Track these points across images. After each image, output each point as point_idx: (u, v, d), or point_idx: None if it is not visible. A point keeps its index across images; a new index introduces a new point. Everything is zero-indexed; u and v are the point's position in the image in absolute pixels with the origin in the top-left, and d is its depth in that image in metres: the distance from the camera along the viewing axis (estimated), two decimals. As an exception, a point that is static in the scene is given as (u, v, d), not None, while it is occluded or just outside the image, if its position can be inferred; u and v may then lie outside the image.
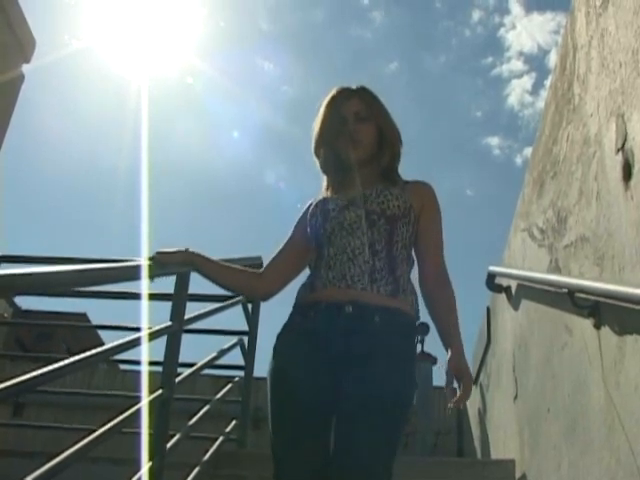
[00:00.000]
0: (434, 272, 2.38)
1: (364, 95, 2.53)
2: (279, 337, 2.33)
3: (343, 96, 2.51)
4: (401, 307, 2.25)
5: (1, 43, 4.54)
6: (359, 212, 2.33)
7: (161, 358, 2.86)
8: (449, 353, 2.23)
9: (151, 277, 2.42)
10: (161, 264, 2.48)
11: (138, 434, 2.65)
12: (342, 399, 2.10)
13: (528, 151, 4.68)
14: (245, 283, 2.61)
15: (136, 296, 3.88)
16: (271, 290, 2.56)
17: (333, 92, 2.53)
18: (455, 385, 2.17)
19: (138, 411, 2.49)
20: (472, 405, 6.54)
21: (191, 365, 3.56)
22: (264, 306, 4.87)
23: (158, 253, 2.49)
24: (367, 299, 2.21)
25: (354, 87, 2.55)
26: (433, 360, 7.90)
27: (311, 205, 2.51)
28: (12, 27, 4.59)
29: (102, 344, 2.35)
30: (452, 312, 2.33)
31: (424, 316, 2.36)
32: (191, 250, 2.54)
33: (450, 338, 2.27)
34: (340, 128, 2.45)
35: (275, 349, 2.31)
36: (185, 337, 3.04)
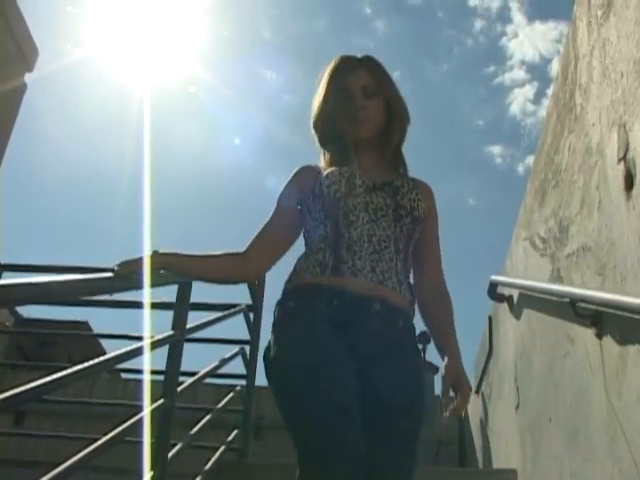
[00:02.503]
0: (437, 281, 2.25)
1: (372, 66, 2.29)
2: (290, 317, 2.04)
3: (348, 67, 2.27)
4: (412, 315, 2.15)
5: (4, 52, 4.56)
6: (388, 201, 2.12)
7: (163, 367, 2.86)
8: (446, 360, 2.08)
9: (110, 291, 2.08)
10: (125, 277, 2.00)
11: (140, 443, 2.64)
12: (370, 398, 1.92)
13: (530, 160, 4.69)
14: (228, 270, 2.24)
15: (137, 305, 3.88)
16: (259, 270, 2.32)
17: (336, 61, 2.29)
18: (452, 393, 2.05)
19: (140, 420, 2.48)
20: (474, 414, 6.53)
21: (193, 374, 3.56)
22: (266, 314, 4.87)
23: (123, 262, 2.01)
24: (395, 300, 2.05)
25: (360, 56, 2.31)
26: (435, 369, 7.88)
27: (315, 170, 2.26)
28: (15, 36, 4.61)
29: (103, 352, 2.34)
30: (451, 319, 2.21)
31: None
32: (161, 252, 2.13)
33: (448, 345, 2.13)
34: (345, 104, 2.22)
35: (285, 329, 2.03)
36: (187, 346, 3.04)
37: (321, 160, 2.33)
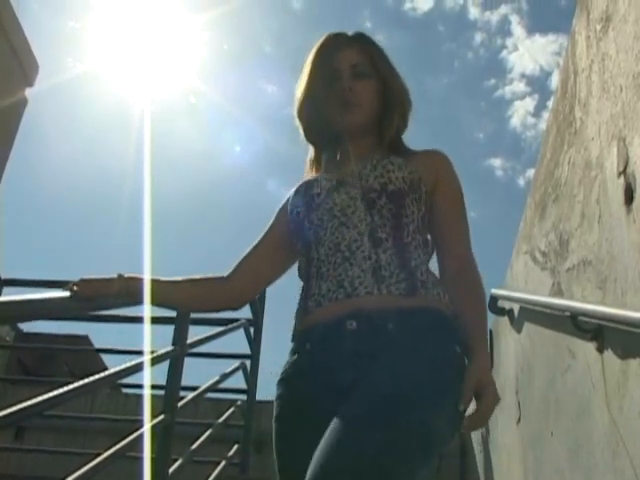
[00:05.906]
0: (456, 267, 1.82)
1: (364, 44, 1.98)
2: (278, 384, 1.78)
3: (336, 45, 1.95)
4: (422, 304, 1.68)
5: (4, 68, 4.57)
6: (353, 193, 1.78)
7: (163, 381, 2.87)
8: (470, 362, 1.66)
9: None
10: (85, 297, 1.75)
11: (140, 459, 2.64)
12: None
13: (531, 172, 4.70)
14: (205, 295, 1.95)
15: (138, 320, 3.89)
16: (242, 296, 1.99)
17: (323, 39, 1.97)
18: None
19: (140, 435, 2.48)
20: (475, 428, 6.50)
21: (193, 389, 3.56)
22: (266, 329, 4.87)
23: (82, 282, 1.75)
24: (374, 304, 1.65)
25: (351, 33, 1.99)
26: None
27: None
28: (15, 52, 4.63)
29: (104, 365, 2.33)
30: (477, 309, 1.78)
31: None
32: (127, 275, 1.80)
33: (472, 343, 1.69)
34: (331, 85, 1.90)
35: (276, 401, 1.77)
36: (187, 360, 3.04)
37: (307, 165, 2.05)
